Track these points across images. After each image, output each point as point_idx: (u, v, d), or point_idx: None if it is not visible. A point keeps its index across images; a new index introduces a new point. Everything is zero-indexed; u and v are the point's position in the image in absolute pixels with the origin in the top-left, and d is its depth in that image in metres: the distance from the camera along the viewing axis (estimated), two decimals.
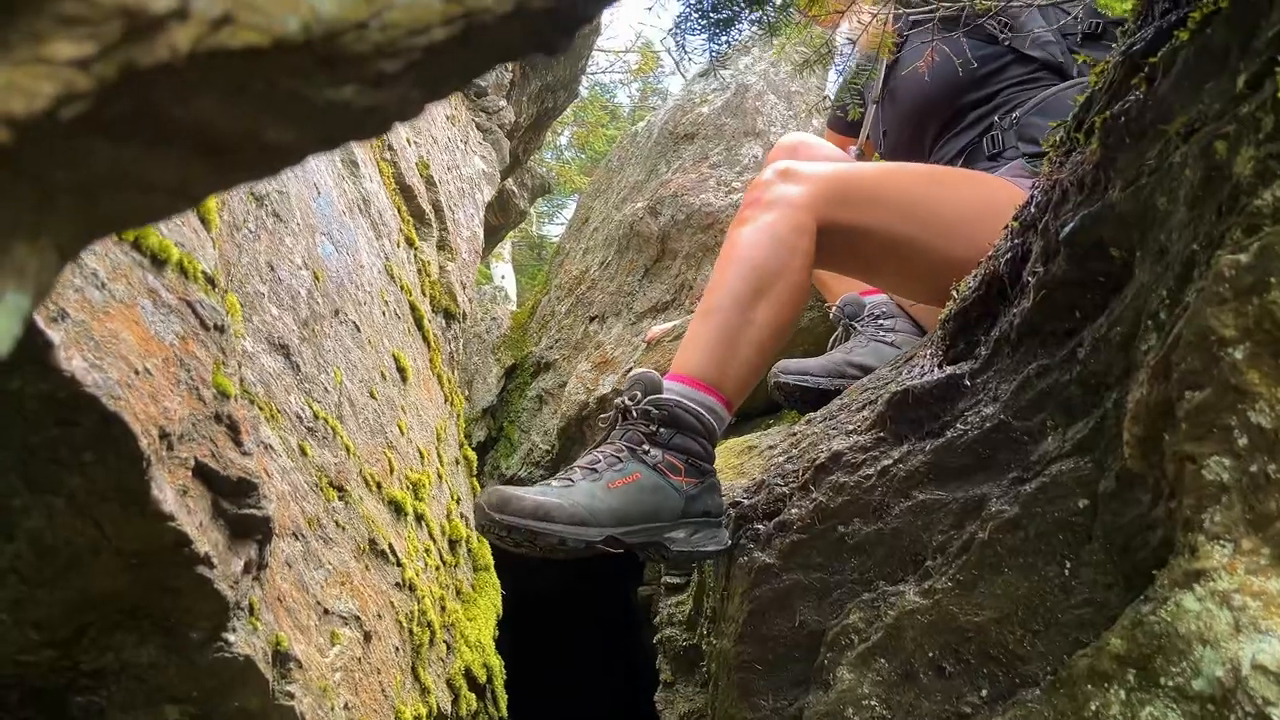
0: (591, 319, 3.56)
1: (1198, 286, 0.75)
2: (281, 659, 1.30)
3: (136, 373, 0.98)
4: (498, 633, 2.64)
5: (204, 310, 1.15)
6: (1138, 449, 0.82)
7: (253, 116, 0.32)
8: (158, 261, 1.06)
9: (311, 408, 1.59)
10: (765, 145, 3.42)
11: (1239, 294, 0.70)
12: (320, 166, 1.92)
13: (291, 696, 1.31)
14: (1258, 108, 0.74)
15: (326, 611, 1.49)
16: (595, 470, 1.39)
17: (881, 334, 1.82)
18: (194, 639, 1.18)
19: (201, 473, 1.12)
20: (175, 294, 1.10)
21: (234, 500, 1.18)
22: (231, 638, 1.19)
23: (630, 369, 2.81)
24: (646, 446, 1.41)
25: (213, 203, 1.24)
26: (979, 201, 1.59)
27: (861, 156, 2.23)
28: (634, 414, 1.43)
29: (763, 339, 1.48)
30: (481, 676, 2.29)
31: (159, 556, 1.07)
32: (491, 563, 2.77)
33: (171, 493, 1.05)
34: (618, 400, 1.47)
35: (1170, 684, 0.78)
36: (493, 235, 6.52)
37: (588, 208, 4.34)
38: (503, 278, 10.41)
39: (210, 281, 1.19)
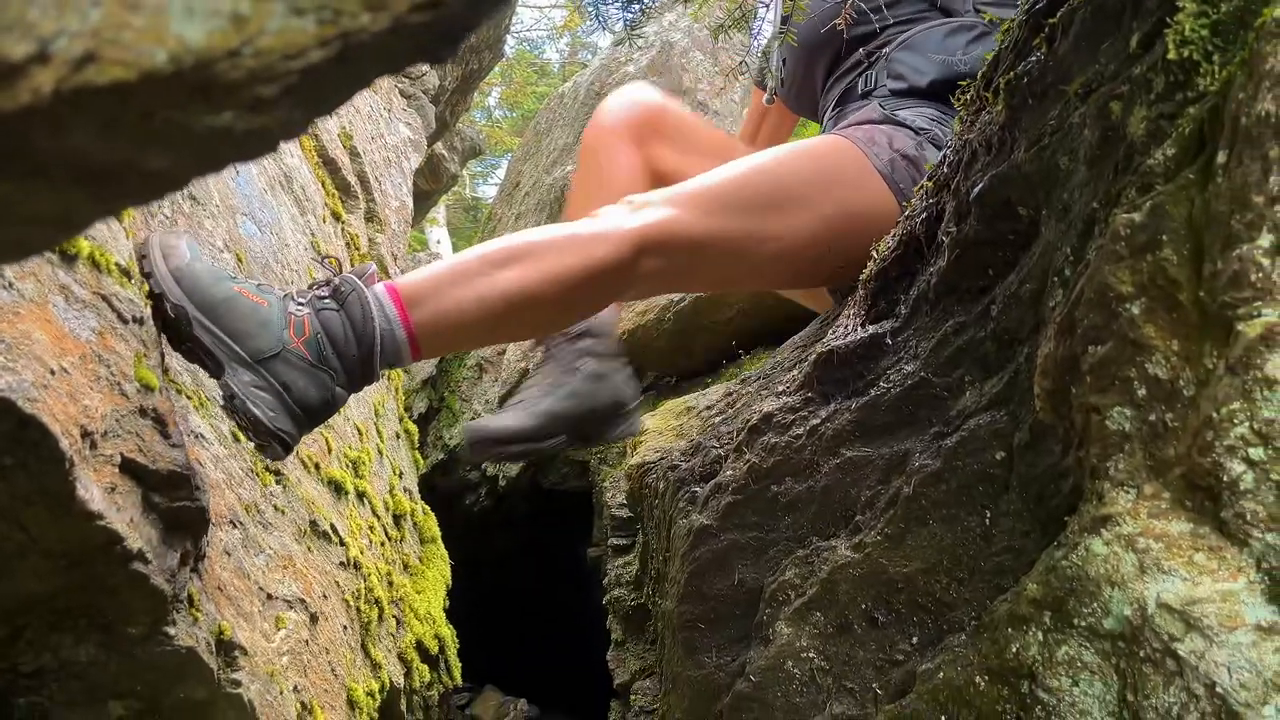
0: None
1: (1097, 244, 0.78)
2: (225, 648, 1.30)
3: (52, 372, 0.96)
4: (448, 602, 2.66)
5: (120, 303, 1.13)
6: (1047, 401, 0.85)
7: (130, 147, 0.32)
8: (67, 257, 1.03)
9: None
10: (693, 103, 3.41)
11: (1134, 251, 0.73)
12: None
13: (238, 684, 1.31)
14: (1149, 68, 0.77)
15: (270, 596, 1.49)
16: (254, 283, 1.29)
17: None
18: (133, 634, 1.17)
19: (129, 469, 1.11)
20: (89, 289, 1.07)
21: (165, 494, 1.17)
22: (172, 630, 1.19)
23: None
24: (300, 301, 1.28)
25: None
26: (812, 173, 1.54)
27: (770, 103, 2.21)
28: (322, 284, 1.31)
29: (491, 296, 1.31)
30: (433, 648, 2.31)
31: (90, 556, 1.06)
32: (439, 535, 2.77)
33: (98, 491, 1.03)
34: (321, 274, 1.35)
35: (1083, 624, 0.82)
36: (425, 200, 6.42)
37: (518, 172, 4.29)
38: (438, 243, 10.26)
39: (125, 273, 1.17)
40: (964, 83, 1.17)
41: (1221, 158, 0.66)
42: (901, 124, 1.65)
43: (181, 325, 1.19)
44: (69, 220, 0.34)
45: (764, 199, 1.50)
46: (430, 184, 6.13)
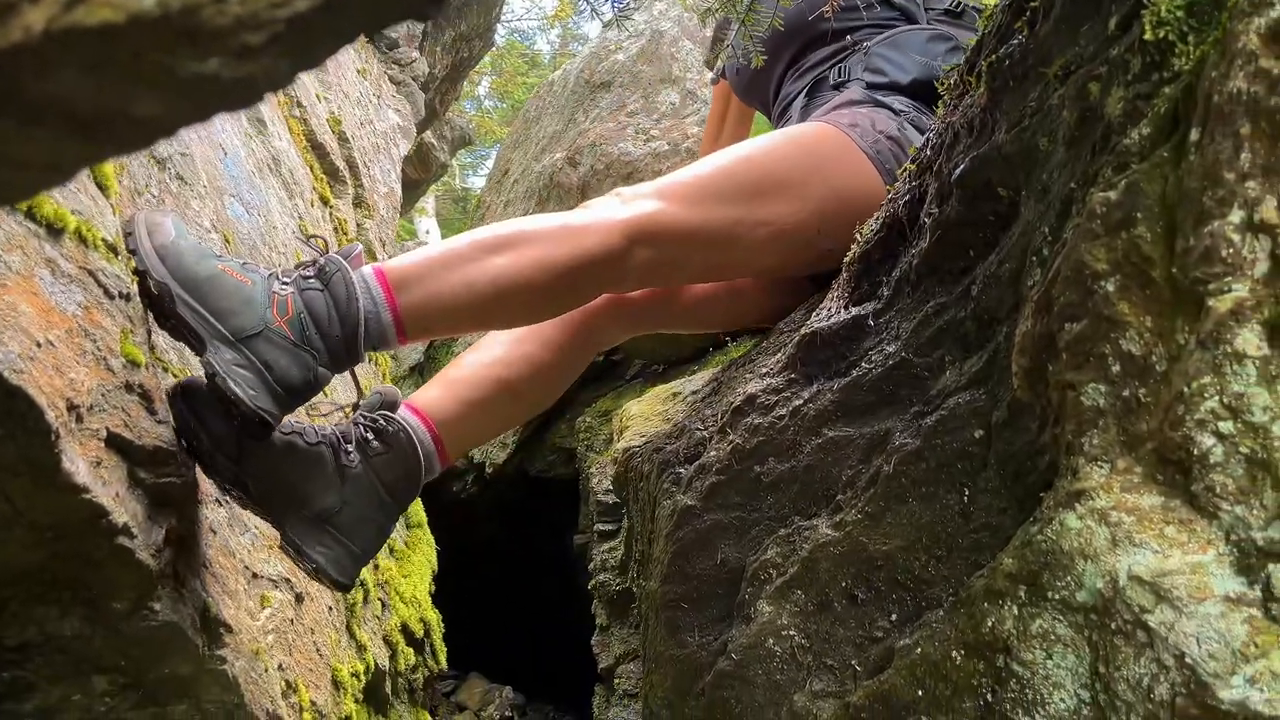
0: None
1: (1074, 223, 0.79)
2: (211, 624, 1.30)
3: (39, 345, 0.97)
4: (434, 588, 2.66)
5: (107, 279, 1.13)
6: (1024, 379, 0.87)
7: (119, 91, 0.32)
8: (54, 231, 1.04)
9: None
10: (682, 91, 3.42)
11: (1109, 229, 0.74)
12: (226, 126, 1.88)
13: (223, 661, 1.31)
14: (1126, 49, 0.78)
15: (255, 575, 1.49)
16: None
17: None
18: (118, 609, 1.17)
19: (115, 443, 1.11)
20: (75, 263, 1.08)
21: (151, 469, 1.18)
22: (157, 606, 1.19)
23: None
24: (284, 280, 1.26)
25: (110, 168, 1.21)
26: (799, 158, 1.56)
27: (716, 83, 2.21)
28: (309, 263, 1.30)
29: (480, 281, 1.32)
30: (419, 631, 2.32)
31: (75, 529, 1.07)
32: (425, 520, 2.78)
33: (84, 465, 1.04)
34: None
35: (1057, 597, 0.83)
36: (414, 189, 6.41)
37: (507, 159, 4.29)
38: (427, 232, 10.23)
39: (112, 249, 1.17)
40: (947, 68, 1.18)
41: (1194, 135, 0.68)
42: (883, 105, 1.67)
43: (165, 302, 1.19)
44: (58, 166, 0.34)
45: (752, 186, 1.52)
46: (419, 173, 6.11)
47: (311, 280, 1.27)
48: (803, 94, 1.93)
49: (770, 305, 1.78)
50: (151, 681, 1.27)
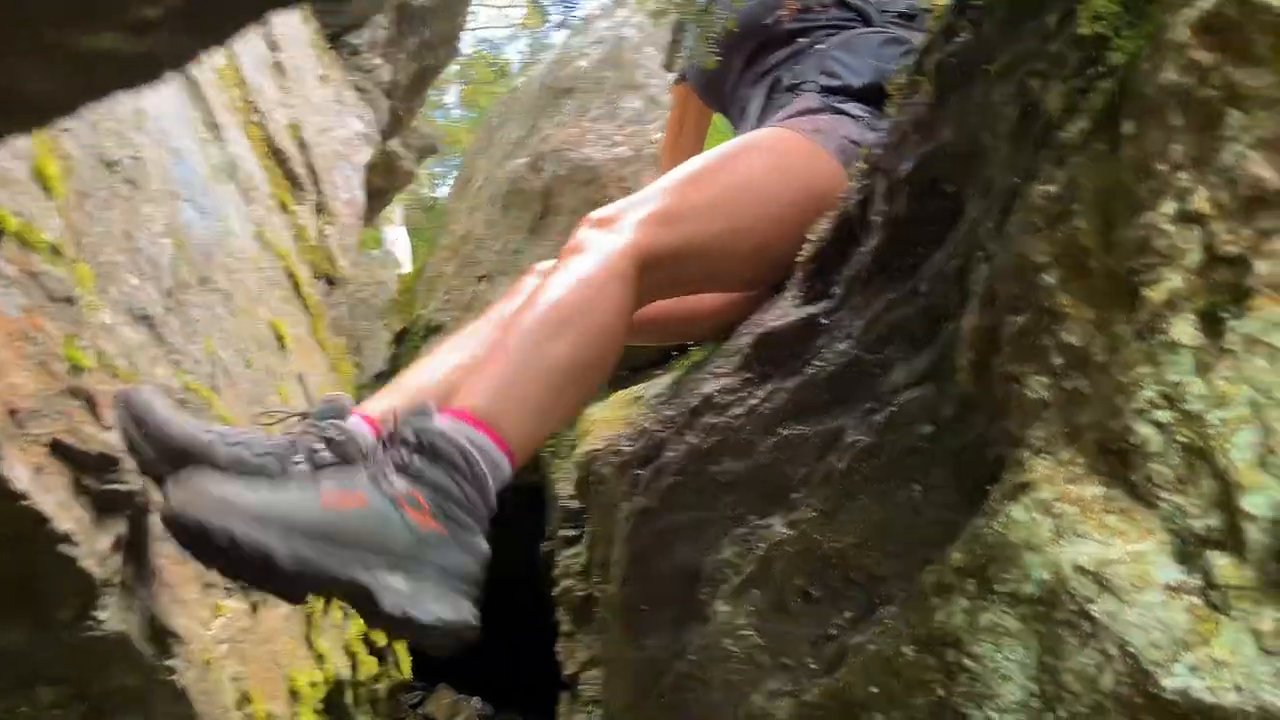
0: (480, 279, 3.54)
1: (1016, 217, 0.80)
2: (160, 634, 1.28)
3: None
4: None
5: (50, 282, 1.11)
6: (971, 373, 0.87)
7: (10, 68, 0.32)
8: None
9: (181, 379, 1.55)
10: (645, 98, 3.43)
11: (1049, 222, 0.74)
12: (179, 130, 1.86)
13: (172, 671, 1.29)
14: (1065, 45, 0.79)
15: (208, 584, 1.47)
16: (316, 471, 1.19)
17: None
18: (62, 618, 1.15)
19: (59, 449, 1.09)
20: (17, 266, 1.06)
21: (97, 476, 1.15)
22: (102, 615, 1.17)
23: None
24: (389, 472, 1.14)
25: (54, 169, 1.19)
26: (768, 164, 1.56)
27: (679, 84, 2.20)
28: (390, 436, 1.19)
29: (555, 377, 1.27)
30: (380, 640, 2.29)
31: (16, 537, 1.04)
32: None
33: (25, 471, 1.02)
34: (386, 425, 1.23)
35: (1004, 590, 0.84)
36: (380, 198, 6.36)
37: (471, 166, 4.28)
38: (394, 242, 10.17)
39: (56, 251, 1.15)
40: (898, 69, 1.19)
41: (1129, 128, 0.68)
42: (842, 112, 1.68)
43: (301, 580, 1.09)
44: None
45: (729, 197, 1.51)
46: (385, 182, 6.07)
47: (417, 462, 1.15)
48: (759, 96, 1.93)
49: (730, 319, 1.78)
50: (99, 693, 1.24)
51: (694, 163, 1.58)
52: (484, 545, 1.17)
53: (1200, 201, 0.64)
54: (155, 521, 1.33)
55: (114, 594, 1.18)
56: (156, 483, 1.25)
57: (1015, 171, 0.83)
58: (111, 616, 1.17)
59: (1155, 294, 0.68)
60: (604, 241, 1.40)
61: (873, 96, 1.75)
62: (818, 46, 1.85)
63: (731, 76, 2.03)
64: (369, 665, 2.20)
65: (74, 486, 1.12)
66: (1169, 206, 0.66)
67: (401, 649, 2.52)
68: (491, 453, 1.19)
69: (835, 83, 1.78)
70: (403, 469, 1.14)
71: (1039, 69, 0.81)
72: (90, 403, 1.15)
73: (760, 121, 1.87)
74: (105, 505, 1.17)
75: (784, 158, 1.57)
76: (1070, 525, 0.77)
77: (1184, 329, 0.67)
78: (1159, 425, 0.70)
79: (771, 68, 1.93)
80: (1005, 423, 0.84)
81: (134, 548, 1.24)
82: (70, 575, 1.10)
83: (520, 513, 3.49)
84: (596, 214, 1.46)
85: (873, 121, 1.70)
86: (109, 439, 1.16)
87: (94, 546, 1.13)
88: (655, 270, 1.41)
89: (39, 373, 1.06)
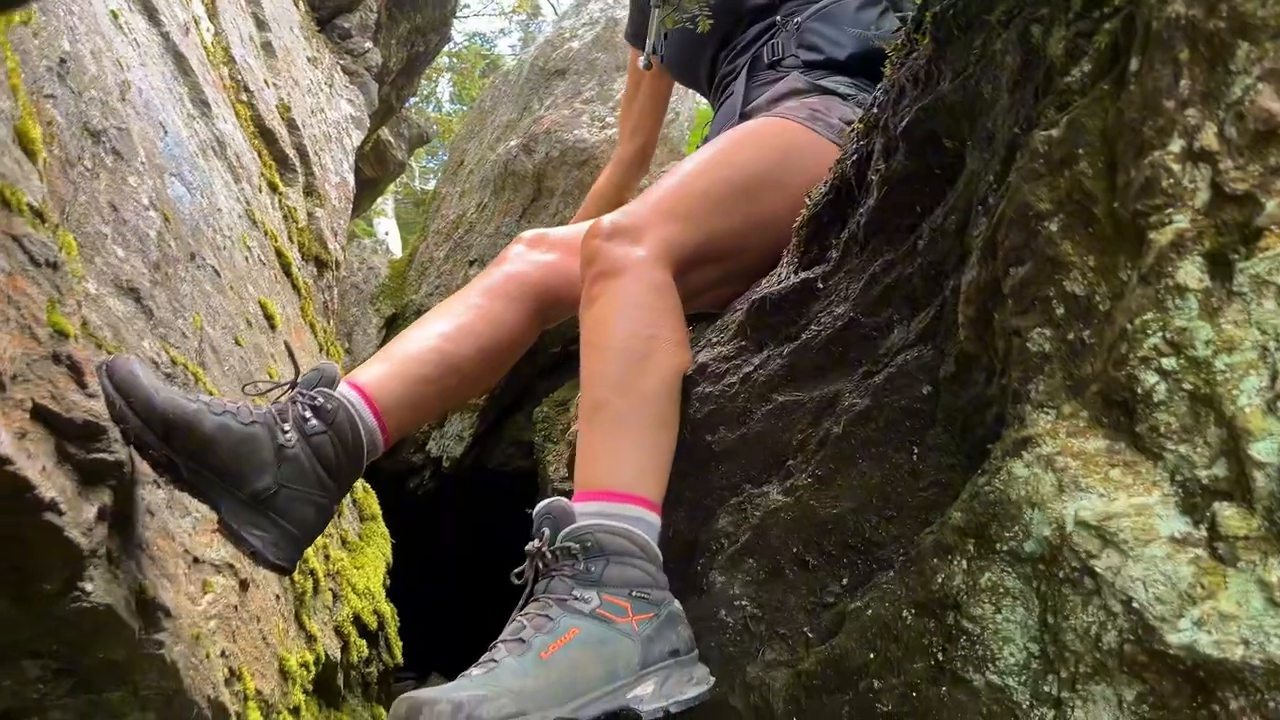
0: (471, 263, 3.52)
1: (1017, 166, 0.78)
2: (147, 608, 1.26)
3: None
4: (389, 581, 2.62)
5: (32, 245, 1.09)
6: (971, 329, 0.86)
7: None
8: None
9: (169, 353, 1.53)
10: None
11: (1052, 168, 0.73)
12: (165, 104, 1.83)
13: (160, 645, 1.27)
14: None
15: (196, 560, 1.45)
16: (522, 640, 1.13)
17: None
18: (47, 590, 1.13)
19: (41, 415, 1.07)
20: None
21: (81, 444, 1.13)
22: (89, 587, 1.15)
23: None
24: (577, 591, 1.14)
25: (36, 132, 1.17)
26: (773, 158, 1.54)
27: (648, 68, 2.15)
28: (550, 556, 1.18)
29: (662, 413, 1.28)
30: (372, 623, 2.27)
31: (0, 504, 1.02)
32: (379, 513, 2.74)
33: (7, 435, 1.00)
34: (529, 546, 1.22)
35: (1005, 549, 0.82)
36: (371, 188, 6.35)
37: (462, 150, 4.26)
38: (386, 234, 10.17)
39: (38, 215, 1.12)
40: (888, 43, 1.17)
41: (1134, 65, 0.67)
42: (831, 91, 1.65)
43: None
44: None
45: (738, 191, 1.49)
46: (376, 171, 6.05)
47: (592, 567, 1.17)
48: (741, 73, 1.89)
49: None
50: (85, 667, 1.22)
51: (699, 159, 1.56)
52: (678, 605, 1.19)
53: (1208, 138, 0.62)
54: (143, 493, 1.32)
55: (100, 565, 1.16)
56: (139, 451, 1.23)
57: (1016, 121, 0.82)
58: (98, 588, 1.15)
59: (1161, 237, 0.66)
60: (631, 257, 1.37)
61: (859, 67, 1.73)
62: (795, 20, 1.82)
63: (708, 55, 2.00)
64: (360, 648, 2.19)
65: (57, 454, 1.10)
66: (1176, 144, 0.64)
67: (394, 634, 2.51)
68: (645, 518, 1.20)
69: (817, 56, 1.75)
70: (584, 579, 1.16)
71: (1040, 15, 0.80)
72: (75, 369, 1.13)
73: (746, 101, 1.83)
74: (90, 474, 1.15)
75: (785, 148, 1.55)
76: (1073, 479, 0.76)
77: (1191, 272, 0.66)
78: (1164, 373, 0.69)
79: (750, 43, 1.89)
80: (1006, 379, 0.83)
81: (120, 519, 1.22)
82: (56, 544, 1.08)
83: (513, 498, 3.49)
84: (609, 223, 1.41)
85: (862, 99, 1.69)
86: (94, 407, 1.14)
87: (79, 516, 1.11)
88: (685, 269, 1.41)
89: (20, 336, 1.03)
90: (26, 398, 1.05)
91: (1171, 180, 0.65)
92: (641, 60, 2.13)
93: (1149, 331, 0.69)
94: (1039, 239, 0.75)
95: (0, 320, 1.01)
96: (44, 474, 1.06)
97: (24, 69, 1.25)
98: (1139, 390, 0.71)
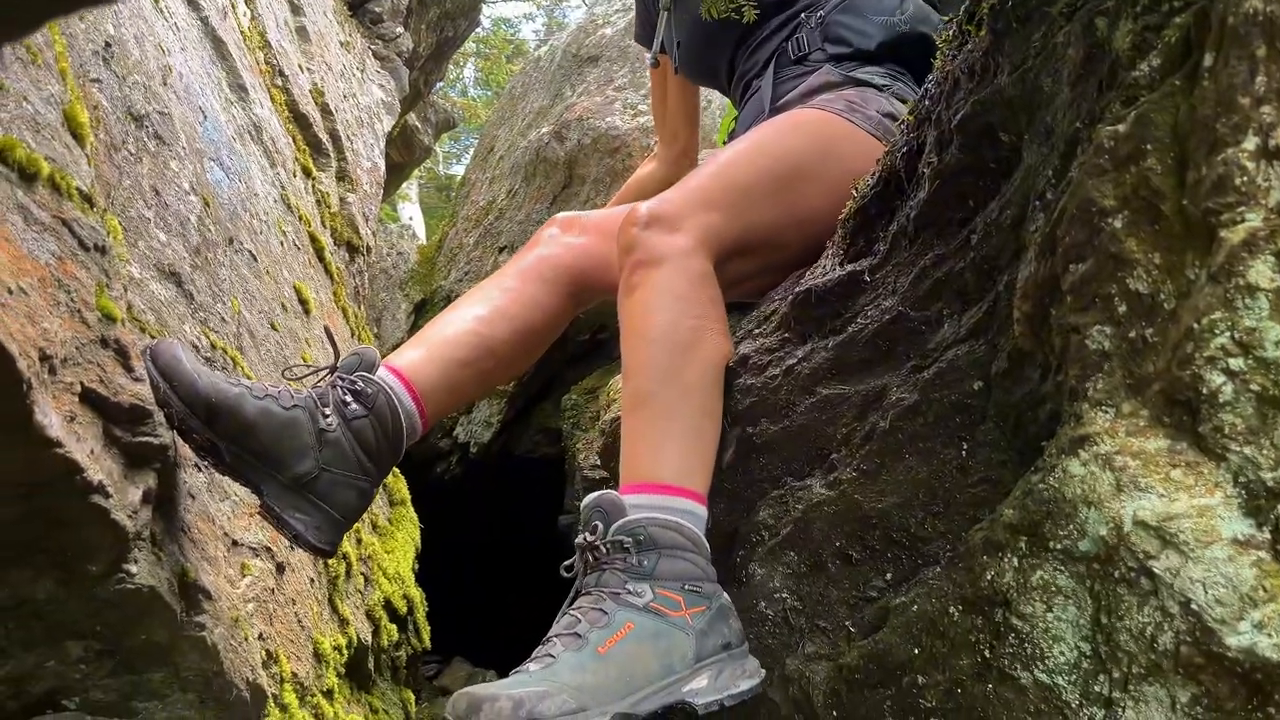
0: (501, 249, 3.52)
1: (1080, 161, 0.77)
2: (189, 590, 1.27)
3: (10, 292, 0.93)
4: (418, 566, 2.64)
5: (82, 229, 1.09)
6: (1027, 326, 0.85)
7: None
8: (26, 176, 1.00)
9: (209, 337, 1.54)
10: None
11: (1118, 164, 0.72)
12: (205, 89, 1.84)
13: (201, 627, 1.28)
14: None
15: (235, 543, 1.46)
16: (578, 635, 1.13)
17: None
18: (93, 572, 1.14)
19: (90, 399, 1.08)
20: (49, 211, 1.04)
21: (128, 428, 1.14)
22: (133, 569, 1.16)
23: None
24: (630, 585, 1.15)
25: (84, 117, 1.17)
26: (812, 149, 1.52)
27: (655, 66, 2.14)
28: (603, 549, 1.18)
29: (707, 404, 1.27)
30: (402, 608, 2.29)
31: (49, 486, 1.03)
32: (408, 498, 2.75)
33: (57, 418, 1.00)
34: (579, 539, 1.23)
35: (1058, 547, 0.81)
36: (397, 173, 6.37)
37: (492, 136, 4.25)
38: (410, 219, 10.19)
39: (87, 200, 1.13)
40: (917, 28, 1.14)
41: (1208, 61, 0.66)
42: (865, 83, 1.64)
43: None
44: None
45: (778, 181, 1.47)
46: (403, 156, 6.07)
47: (644, 561, 1.17)
48: (767, 69, 1.86)
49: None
50: (128, 649, 1.24)
51: (737, 149, 1.54)
52: (727, 598, 1.19)
53: None
54: (185, 477, 1.33)
55: (145, 548, 1.17)
56: (183, 436, 1.24)
57: (1078, 116, 0.80)
58: (142, 570, 1.16)
59: (1233, 235, 0.65)
60: (670, 246, 1.36)
61: (890, 56, 1.70)
62: (818, 14, 1.79)
63: (727, 52, 1.96)
64: (390, 632, 2.20)
65: (105, 437, 1.11)
66: (1250, 142, 0.63)
67: (422, 619, 2.52)
68: (694, 511, 1.20)
69: (845, 49, 1.73)
70: (636, 573, 1.16)
71: (1106, 8, 0.78)
72: (122, 353, 1.14)
73: (774, 98, 1.80)
74: (136, 458, 1.16)
75: (824, 139, 1.53)
76: (1132, 479, 0.75)
77: (1262, 272, 0.65)
78: (1231, 373, 0.68)
79: (770, 36, 1.87)
80: (1062, 376, 0.82)
81: (163, 502, 1.23)
82: (102, 526, 1.09)
83: (538, 486, 3.50)
84: (647, 211, 1.40)
85: (899, 90, 1.67)
86: (141, 391, 1.15)
87: (125, 499, 1.12)
88: (724, 259, 1.40)
89: (70, 320, 1.04)
90: (76, 381, 1.05)
91: (1245, 178, 0.64)
92: (648, 58, 2.11)
93: (1217, 331, 0.68)
94: (1102, 235, 0.74)
95: (51, 304, 1.02)
96: (92, 457, 1.07)
97: (70, 53, 1.26)
98: (1204, 390, 0.70)
